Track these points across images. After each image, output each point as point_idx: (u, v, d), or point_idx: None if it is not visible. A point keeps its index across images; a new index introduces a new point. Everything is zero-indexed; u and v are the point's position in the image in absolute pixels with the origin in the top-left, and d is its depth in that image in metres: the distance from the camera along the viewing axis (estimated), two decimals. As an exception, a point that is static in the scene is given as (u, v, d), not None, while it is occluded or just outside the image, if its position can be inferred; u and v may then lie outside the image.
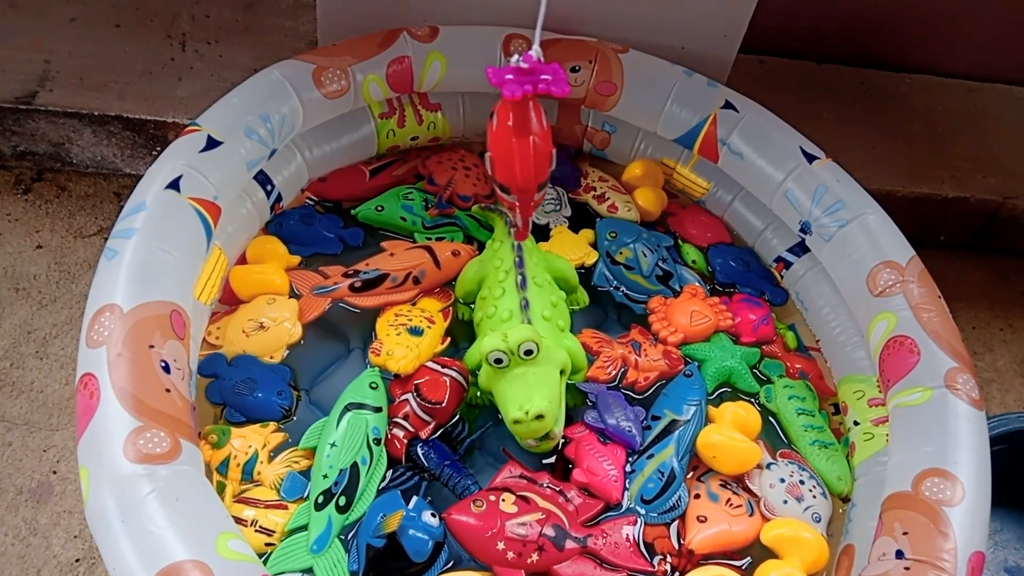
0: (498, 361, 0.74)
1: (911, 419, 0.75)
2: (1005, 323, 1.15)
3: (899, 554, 0.65)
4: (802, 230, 0.91)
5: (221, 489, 0.71)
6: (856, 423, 0.84)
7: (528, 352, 0.74)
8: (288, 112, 0.87)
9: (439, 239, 0.94)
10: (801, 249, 0.96)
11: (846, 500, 0.80)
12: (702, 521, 0.75)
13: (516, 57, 0.56)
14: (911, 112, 1.25)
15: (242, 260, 0.88)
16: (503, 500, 0.73)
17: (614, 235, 0.97)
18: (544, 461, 0.80)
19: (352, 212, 0.94)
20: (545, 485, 0.76)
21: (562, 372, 0.79)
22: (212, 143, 0.80)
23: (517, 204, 0.67)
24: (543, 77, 0.54)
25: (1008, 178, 1.17)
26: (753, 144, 0.94)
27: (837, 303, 0.91)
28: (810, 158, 0.91)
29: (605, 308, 0.95)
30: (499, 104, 0.59)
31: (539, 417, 0.72)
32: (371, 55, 0.92)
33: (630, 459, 0.80)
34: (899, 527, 0.67)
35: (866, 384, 0.85)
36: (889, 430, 0.77)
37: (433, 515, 0.71)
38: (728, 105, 0.96)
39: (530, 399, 0.72)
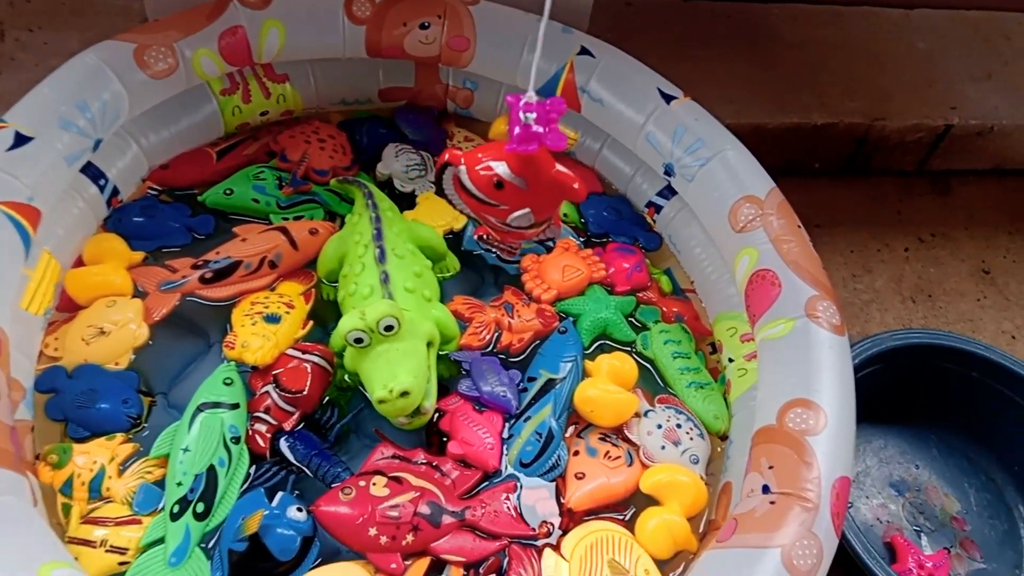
0: (358, 340, 0.71)
1: (775, 352, 0.75)
2: (882, 243, 1.17)
3: (765, 489, 0.65)
4: (666, 172, 0.90)
5: (68, 511, 0.66)
6: (731, 360, 0.84)
7: (388, 328, 0.71)
8: (110, 98, 0.80)
9: (297, 218, 0.89)
10: (670, 192, 0.94)
11: (724, 438, 0.81)
12: (580, 478, 0.74)
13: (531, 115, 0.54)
14: (780, 42, 1.25)
15: (80, 263, 0.82)
16: (374, 484, 0.70)
17: (480, 196, 0.94)
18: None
19: (199, 199, 0.89)
20: (420, 462, 0.74)
21: (430, 344, 0.77)
22: (21, 139, 0.73)
23: (542, 229, 0.66)
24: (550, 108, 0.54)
25: (876, 101, 1.18)
26: (612, 89, 0.91)
27: (707, 242, 0.90)
28: (668, 98, 0.89)
29: (480, 272, 0.92)
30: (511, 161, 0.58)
31: (405, 394, 0.69)
32: (199, 28, 0.86)
33: (507, 424, 0.78)
34: (765, 461, 0.67)
35: (738, 320, 0.85)
36: (757, 364, 0.77)
37: (299, 509, 0.68)
38: (584, 51, 0.93)
39: (394, 376, 0.69)
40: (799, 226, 0.81)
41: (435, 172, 0.63)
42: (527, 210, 0.59)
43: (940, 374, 0.93)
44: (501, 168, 0.58)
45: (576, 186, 0.57)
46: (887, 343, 0.90)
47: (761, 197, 0.82)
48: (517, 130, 0.54)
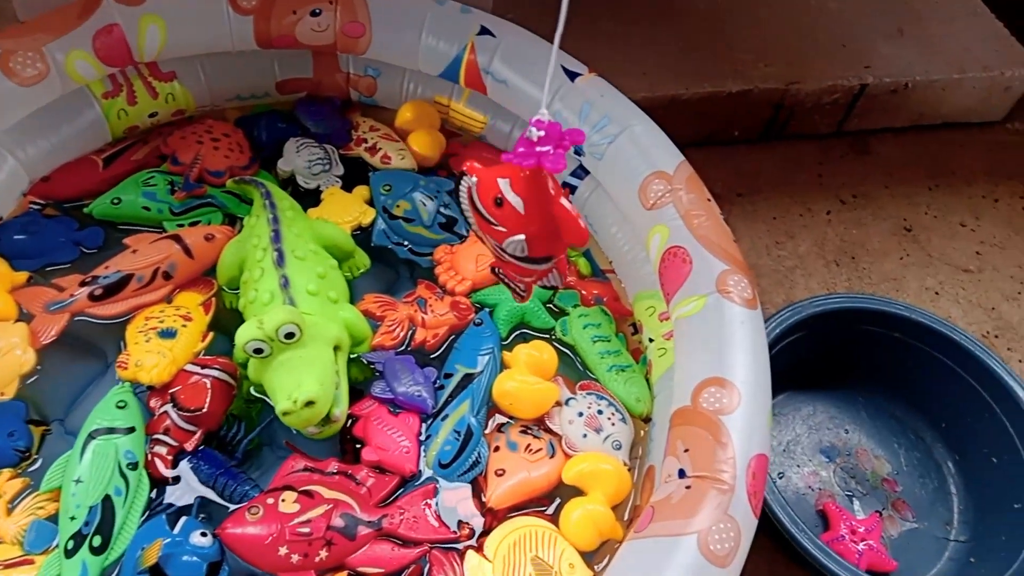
0: (258, 351, 0.68)
1: (689, 330, 0.73)
2: (804, 208, 1.16)
3: (681, 473, 0.64)
4: (576, 152, 0.88)
5: (-49, 557, 0.62)
6: (651, 340, 0.83)
7: (289, 335, 0.67)
8: (-26, 110, 0.75)
9: (193, 224, 0.85)
10: (583, 171, 0.92)
11: (647, 420, 0.79)
12: (500, 475, 0.72)
13: (535, 131, 0.51)
14: (691, 12, 1.23)
15: (-42, 289, 0.77)
16: (283, 500, 0.67)
17: (388, 188, 0.90)
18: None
19: (86, 210, 0.84)
20: (332, 472, 0.71)
21: (338, 348, 0.74)
22: None
23: (549, 271, 0.61)
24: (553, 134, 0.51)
25: (790, 65, 1.17)
26: (515, 68, 0.88)
27: (623, 221, 0.88)
28: (572, 75, 0.87)
29: (395, 267, 0.89)
30: (514, 181, 0.54)
31: (310, 403, 0.66)
32: (70, 28, 0.81)
33: (425, 424, 0.76)
34: (681, 445, 0.65)
35: (656, 299, 0.83)
36: (674, 344, 0.75)
37: (204, 534, 0.65)
38: (484, 31, 0.89)
39: (298, 385, 0.66)
40: (709, 199, 0.79)
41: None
42: (521, 237, 0.55)
43: (864, 337, 0.93)
44: (504, 184, 0.54)
45: (581, 225, 0.53)
46: (808, 310, 0.89)
47: (670, 172, 0.80)
48: (521, 145, 0.51)
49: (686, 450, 0.65)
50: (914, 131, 1.28)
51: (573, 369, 0.83)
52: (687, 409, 0.67)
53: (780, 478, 0.91)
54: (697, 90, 1.11)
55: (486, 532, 0.70)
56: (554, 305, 0.87)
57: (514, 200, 0.54)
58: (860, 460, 0.93)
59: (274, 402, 0.68)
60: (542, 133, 0.50)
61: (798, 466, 0.92)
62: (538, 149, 0.51)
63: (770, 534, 0.78)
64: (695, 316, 0.73)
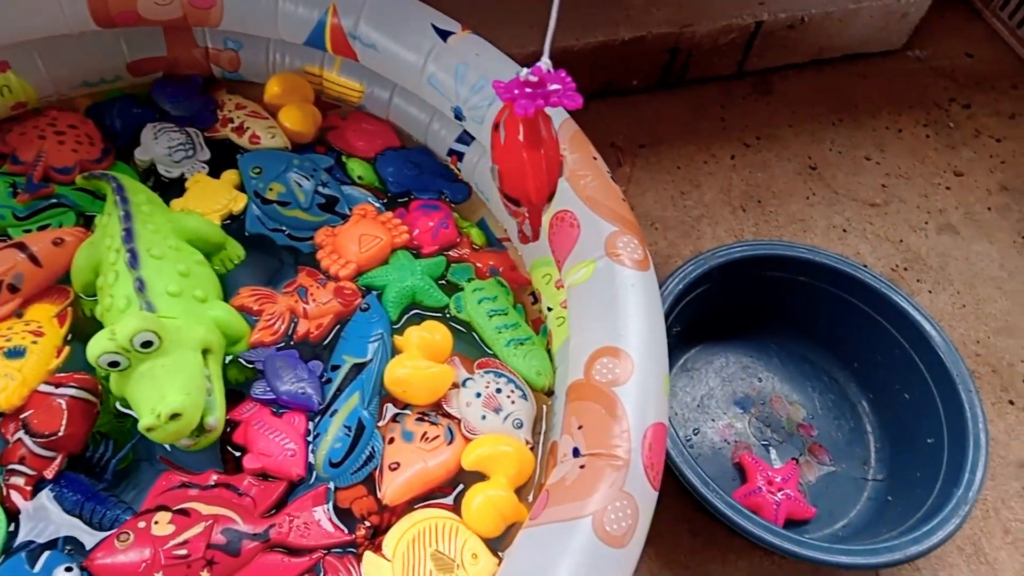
0: (114, 364, 0.62)
1: (581, 297, 0.69)
2: (708, 154, 1.13)
3: (575, 452, 0.61)
4: (456, 116, 0.82)
5: None
6: (549, 309, 0.79)
7: (146, 344, 0.62)
8: None
9: (42, 228, 0.77)
10: (470, 137, 0.87)
11: (550, 394, 0.76)
12: (394, 469, 0.68)
13: (525, 71, 0.51)
14: (580, -45, 1.17)
15: None
16: (155, 523, 0.62)
17: (259, 170, 0.84)
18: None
19: (-87, 225, 0.76)
20: (211, 485, 0.66)
21: (207, 352, 0.68)
22: None
23: (527, 214, 0.60)
24: (552, 89, 0.50)
25: (681, 7, 1.12)
26: (383, 30, 0.82)
27: (513, 186, 0.84)
28: (444, 34, 0.81)
29: (275, 255, 0.83)
30: (506, 117, 0.54)
31: (176, 416, 0.60)
32: None
33: (313, 423, 0.71)
34: (575, 421, 0.62)
35: (552, 267, 0.79)
36: (568, 313, 0.72)
37: (68, 568, 0.60)
38: (345, -9, 0.83)
39: (162, 398, 0.61)
40: (595, 157, 0.75)
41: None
42: (494, 166, 0.56)
43: (770, 283, 0.91)
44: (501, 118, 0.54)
45: (538, 180, 0.53)
46: (710, 262, 0.87)
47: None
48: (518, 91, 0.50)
49: (580, 427, 0.61)
50: (815, 66, 1.26)
51: (472, 347, 0.79)
52: (580, 383, 0.64)
53: (695, 435, 0.89)
54: (589, 40, 1.06)
55: (385, 530, 0.67)
56: (448, 280, 0.83)
57: (501, 131, 0.54)
58: (775, 408, 0.92)
59: (138, 416, 0.62)
60: (534, 78, 0.50)
61: (713, 420, 0.90)
62: (551, 89, 0.50)
63: (684, 492, 0.76)
64: (586, 283, 0.69)
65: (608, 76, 1.12)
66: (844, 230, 1.09)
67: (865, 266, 0.89)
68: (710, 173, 1.12)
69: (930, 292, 1.06)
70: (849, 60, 1.29)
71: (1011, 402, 0.98)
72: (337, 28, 0.83)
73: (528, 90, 0.50)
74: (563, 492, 0.58)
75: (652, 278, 0.69)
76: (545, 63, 0.50)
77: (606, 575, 0.55)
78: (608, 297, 0.67)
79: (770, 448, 0.89)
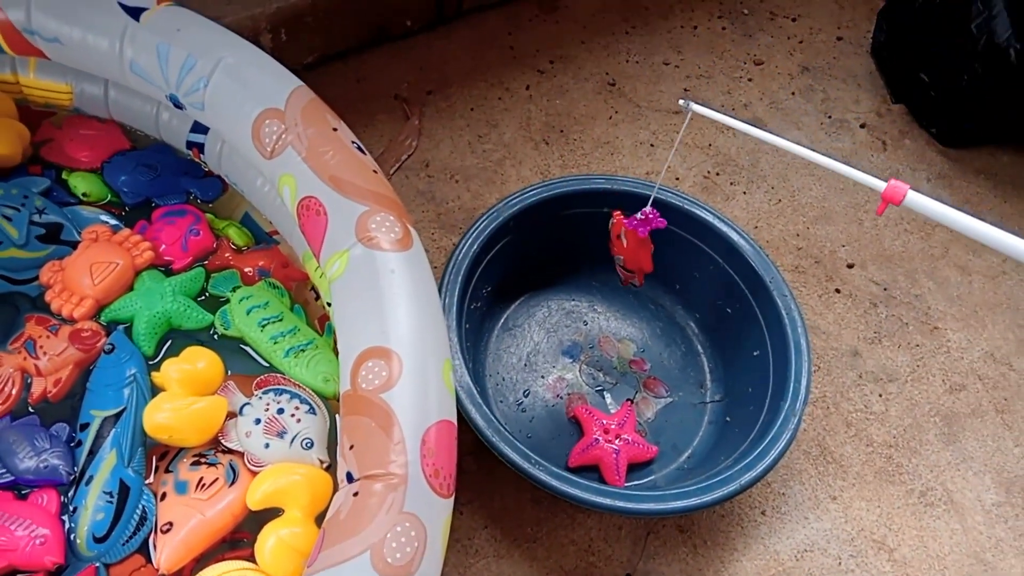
0: None
1: (340, 294, 0.61)
2: (502, 89, 1.05)
3: (349, 477, 0.53)
4: (175, 104, 0.71)
5: None
6: (329, 304, 0.71)
7: None
8: None
9: None
10: (204, 127, 0.76)
11: (342, 400, 0.68)
12: (166, 531, 0.59)
13: (641, 215, 0.73)
14: None
15: None
16: None
17: (-49, 211, 0.71)
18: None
19: None
20: (-56, 604, 0.56)
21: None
22: None
23: (635, 277, 0.80)
24: (652, 218, 0.73)
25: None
26: (61, 18, 0.68)
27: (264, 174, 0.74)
28: (135, 12, 0.68)
29: (8, 305, 0.70)
30: (626, 231, 0.75)
31: None
32: None
33: (66, 496, 0.61)
34: (347, 441, 0.55)
35: (319, 258, 0.70)
36: (332, 312, 0.63)
37: None
38: (3, -21, 0.69)
39: None
40: (335, 128, 0.66)
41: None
42: (618, 256, 0.79)
43: (574, 220, 0.85)
44: (622, 229, 0.76)
45: (646, 265, 0.78)
46: (504, 213, 0.80)
47: (281, 107, 0.65)
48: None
49: (351, 447, 0.54)
50: (600, -27, 1.19)
51: (249, 364, 0.70)
52: (349, 395, 0.56)
53: (526, 396, 0.84)
54: (341, -16, 0.94)
55: (170, 599, 0.58)
56: (210, 294, 0.73)
57: (623, 239, 0.76)
58: (604, 349, 0.88)
59: None
60: (642, 217, 0.74)
61: (542, 377, 0.85)
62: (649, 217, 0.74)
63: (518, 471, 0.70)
64: (343, 276, 0.61)
65: (377, 20, 1.01)
66: (651, 145, 1.05)
67: (672, 187, 0.85)
68: (506, 109, 1.04)
69: (745, 193, 1.03)
70: (635, -39, 1.22)
71: (837, 290, 0.98)
72: (7, 24, 0.69)
73: (640, 219, 0.73)
74: (338, 528, 0.51)
75: (417, 256, 0.62)
76: (649, 209, 0.73)
77: (395, 614, 0.48)
78: (368, 289, 0.59)
79: (605, 392, 0.85)
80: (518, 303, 0.90)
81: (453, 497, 0.55)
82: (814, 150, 0.56)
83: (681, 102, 0.67)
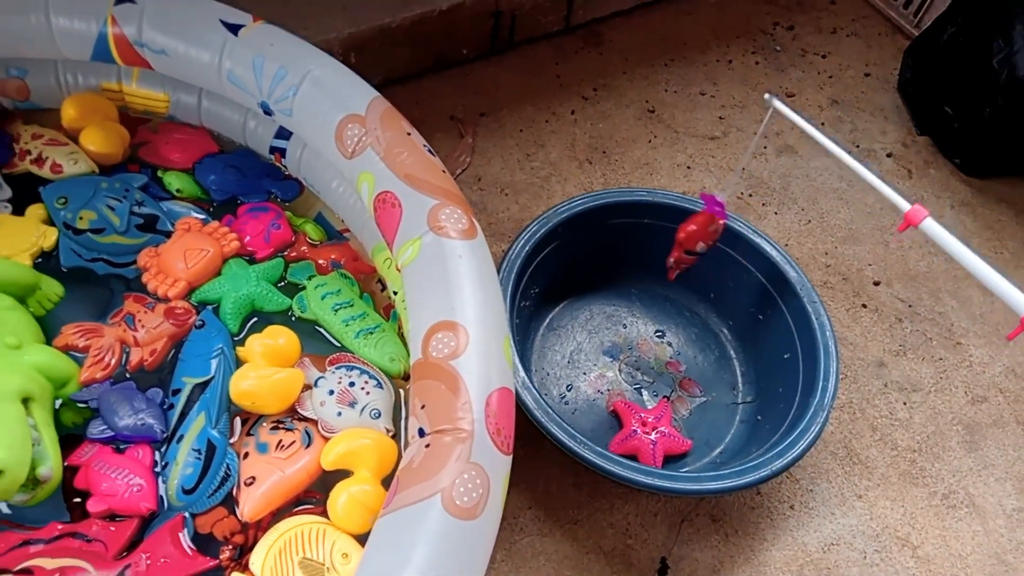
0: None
1: (413, 276, 0.68)
2: (549, 113, 1.14)
3: (421, 432, 0.60)
4: (265, 111, 0.79)
5: None
6: (395, 293, 0.78)
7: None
8: None
9: None
10: (287, 131, 0.84)
11: (408, 378, 0.74)
12: (250, 484, 0.66)
13: (720, 196, 0.81)
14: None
15: None
16: (-8, 590, 0.58)
17: (64, 200, 0.79)
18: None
19: None
20: (55, 537, 0.62)
21: (29, 400, 0.64)
22: None
23: (686, 263, 0.85)
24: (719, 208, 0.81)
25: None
26: (169, 33, 0.78)
27: (340, 175, 0.81)
28: (234, 29, 0.77)
29: (102, 286, 0.78)
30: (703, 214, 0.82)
31: (-1, 473, 0.57)
32: None
33: (159, 452, 0.68)
34: (418, 402, 0.61)
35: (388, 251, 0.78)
36: (405, 293, 0.70)
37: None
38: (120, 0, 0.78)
39: (-22, 458, 0.57)
40: (409, 133, 0.74)
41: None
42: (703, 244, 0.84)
43: (617, 230, 0.92)
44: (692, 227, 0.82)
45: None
46: (553, 219, 0.87)
47: (362, 113, 0.74)
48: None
49: (423, 407, 0.60)
50: (641, 10, 1.28)
51: (323, 344, 0.77)
52: (420, 362, 0.63)
53: (569, 391, 0.90)
54: (406, 14, 1.04)
55: (252, 548, 0.64)
56: (289, 281, 0.80)
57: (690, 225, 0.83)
58: (642, 351, 0.94)
59: (-44, 483, 0.58)
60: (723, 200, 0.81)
61: (584, 374, 0.91)
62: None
63: (559, 450, 0.76)
64: (415, 261, 0.68)
65: (436, 49, 1.10)
66: (688, 167, 1.12)
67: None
68: (553, 131, 1.12)
69: (776, 214, 1.09)
70: (672, 0, 1.31)
71: (864, 305, 1.03)
72: (121, 38, 0.78)
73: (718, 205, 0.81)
74: (411, 475, 0.57)
75: (481, 245, 0.69)
76: (722, 196, 0.81)
77: (462, 548, 0.54)
78: (438, 271, 0.66)
79: (642, 390, 0.91)
80: (562, 306, 0.96)
81: (511, 456, 0.61)
82: (857, 163, 0.64)
83: (766, 96, 0.74)
